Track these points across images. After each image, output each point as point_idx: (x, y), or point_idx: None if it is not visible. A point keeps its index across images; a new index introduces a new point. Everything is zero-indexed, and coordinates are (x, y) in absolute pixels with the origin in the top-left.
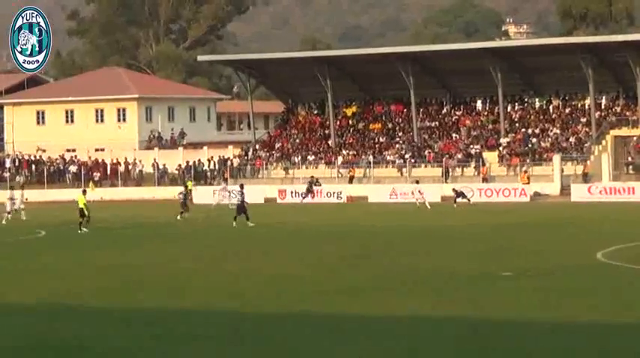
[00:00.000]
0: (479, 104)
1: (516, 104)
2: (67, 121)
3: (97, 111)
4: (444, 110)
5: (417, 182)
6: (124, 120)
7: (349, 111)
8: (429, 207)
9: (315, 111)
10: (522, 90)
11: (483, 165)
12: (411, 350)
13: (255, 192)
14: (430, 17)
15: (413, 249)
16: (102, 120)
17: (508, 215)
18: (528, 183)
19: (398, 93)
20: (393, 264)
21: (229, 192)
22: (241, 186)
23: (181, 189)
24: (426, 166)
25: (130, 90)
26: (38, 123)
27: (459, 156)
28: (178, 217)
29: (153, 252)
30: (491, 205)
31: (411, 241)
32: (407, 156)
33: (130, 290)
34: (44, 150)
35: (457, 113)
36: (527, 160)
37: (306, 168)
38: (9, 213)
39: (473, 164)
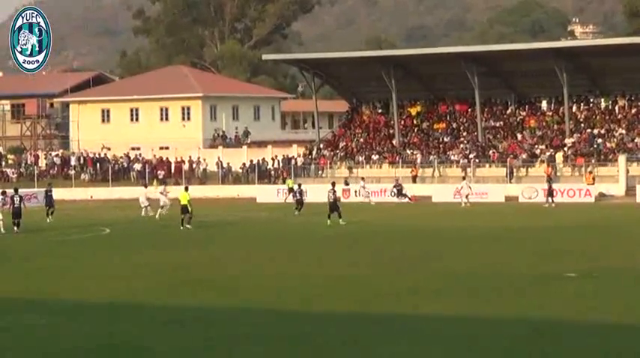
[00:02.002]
0: (544, 104)
1: (582, 104)
2: (131, 120)
3: (161, 109)
4: (509, 110)
5: (363, 179)
6: (189, 118)
7: (414, 111)
8: (373, 203)
9: (380, 111)
10: (588, 91)
11: (548, 165)
12: (470, 350)
13: (319, 191)
14: (495, 17)
15: (474, 249)
16: (166, 119)
17: (573, 215)
18: (593, 183)
19: (462, 93)
20: (454, 264)
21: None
22: (299, 185)
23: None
24: (490, 166)
25: (194, 88)
26: (103, 121)
27: (524, 156)
28: (296, 213)
29: (215, 252)
30: (556, 205)
31: (472, 241)
32: (471, 156)
33: (189, 289)
34: (109, 148)
35: (522, 113)
36: (593, 161)
37: (370, 167)
38: (162, 207)
39: (537, 164)
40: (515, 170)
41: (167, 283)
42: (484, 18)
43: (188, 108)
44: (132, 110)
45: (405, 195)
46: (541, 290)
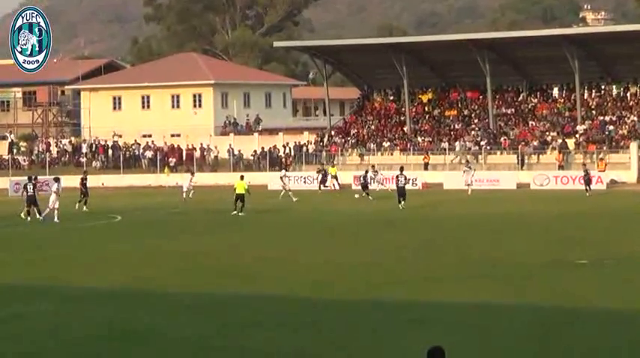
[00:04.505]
0: (555, 91)
1: (593, 91)
2: (143, 107)
3: (172, 96)
4: (520, 97)
5: (286, 169)
6: (200, 105)
7: (425, 98)
8: (294, 199)
9: (391, 98)
10: (599, 78)
11: (559, 152)
12: (482, 337)
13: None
14: (507, 4)
15: (486, 236)
16: (178, 106)
17: (584, 202)
18: (605, 170)
19: (474, 80)
20: (466, 251)
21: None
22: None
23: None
24: (501, 153)
25: (206, 76)
26: (114, 108)
27: (535, 143)
28: (356, 196)
29: (227, 239)
30: (567, 192)
31: (484, 228)
32: (482, 142)
33: (201, 276)
34: (120, 136)
35: (533, 100)
36: (604, 148)
37: (382, 154)
38: (186, 192)
39: (549, 151)
40: (526, 157)
41: (180, 270)
42: (495, 5)
43: (199, 96)
44: (143, 97)
45: (367, 191)
46: (552, 277)
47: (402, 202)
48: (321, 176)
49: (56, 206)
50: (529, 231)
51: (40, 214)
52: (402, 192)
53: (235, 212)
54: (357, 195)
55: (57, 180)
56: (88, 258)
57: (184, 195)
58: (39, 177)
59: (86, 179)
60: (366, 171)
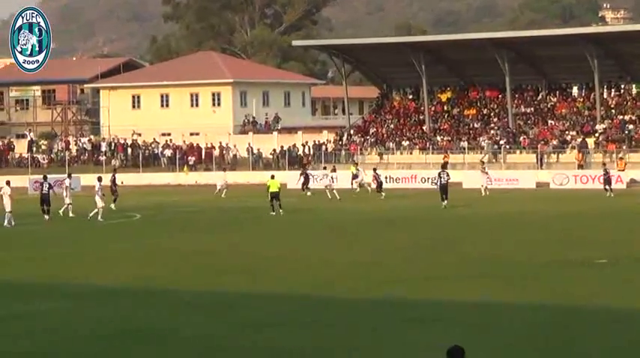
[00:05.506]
0: (575, 90)
1: (612, 90)
2: (162, 105)
3: (191, 95)
4: (540, 96)
5: (375, 169)
6: (219, 104)
7: (444, 97)
8: (337, 197)
9: (410, 97)
10: (619, 77)
11: (579, 151)
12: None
13: (349, 177)
14: (526, 3)
15: (503, 235)
16: (197, 105)
17: (604, 202)
18: (624, 169)
19: (493, 79)
20: (480, 250)
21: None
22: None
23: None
24: (521, 152)
25: (224, 74)
26: (134, 107)
27: (555, 142)
28: (382, 196)
29: (242, 237)
30: (587, 192)
31: (502, 227)
32: (502, 142)
33: (213, 275)
34: (139, 134)
35: (553, 99)
36: (624, 147)
37: (401, 153)
38: (220, 190)
39: (568, 150)
40: (545, 156)
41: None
42: (514, 3)
43: (218, 94)
44: (162, 96)
45: (332, 187)
46: (568, 276)
47: (445, 201)
48: (303, 178)
49: (101, 205)
50: (548, 230)
51: (47, 214)
52: (444, 190)
53: (274, 213)
54: (383, 194)
55: (99, 179)
56: (103, 256)
57: (222, 193)
58: (72, 175)
59: (115, 178)
60: (374, 169)
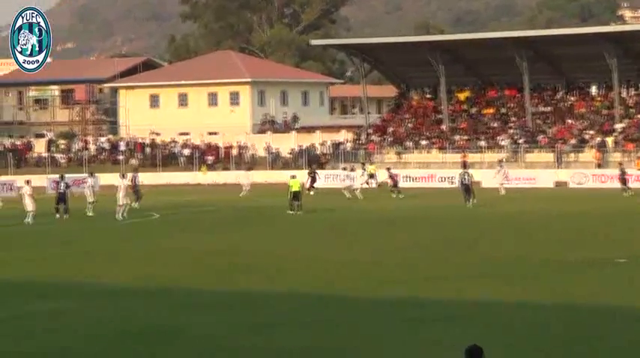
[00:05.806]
0: (593, 89)
1: (631, 89)
2: (180, 105)
3: (210, 94)
4: (558, 95)
5: (389, 169)
6: (237, 103)
7: (462, 96)
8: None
9: (428, 96)
10: (638, 76)
11: (598, 150)
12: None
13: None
14: (544, 2)
15: (522, 234)
16: (215, 104)
17: (622, 201)
18: None
19: (511, 78)
20: (498, 249)
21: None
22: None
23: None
24: (539, 151)
25: (243, 74)
26: (152, 106)
27: (573, 141)
28: (394, 195)
29: (256, 237)
30: (605, 191)
31: (520, 227)
32: (520, 141)
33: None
34: (158, 134)
35: (571, 98)
36: None
37: (419, 152)
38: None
39: (587, 149)
40: (564, 155)
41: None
42: (532, 2)
43: (236, 94)
44: (180, 95)
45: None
46: (590, 276)
47: (469, 201)
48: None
49: (122, 202)
50: (567, 230)
51: (66, 213)
52: (467, 190)
53: (293, 212)
54: (402, 195)
55: (123, 176)
56: (120, 254)
57: (246, 193)
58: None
59: (137, 176)
60: (388, 169)
